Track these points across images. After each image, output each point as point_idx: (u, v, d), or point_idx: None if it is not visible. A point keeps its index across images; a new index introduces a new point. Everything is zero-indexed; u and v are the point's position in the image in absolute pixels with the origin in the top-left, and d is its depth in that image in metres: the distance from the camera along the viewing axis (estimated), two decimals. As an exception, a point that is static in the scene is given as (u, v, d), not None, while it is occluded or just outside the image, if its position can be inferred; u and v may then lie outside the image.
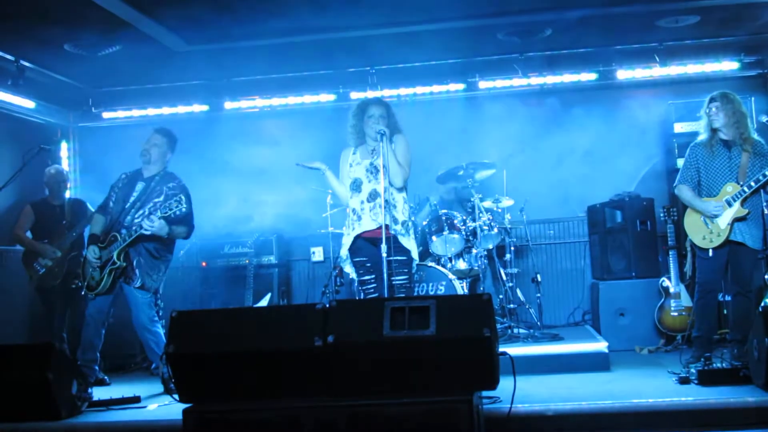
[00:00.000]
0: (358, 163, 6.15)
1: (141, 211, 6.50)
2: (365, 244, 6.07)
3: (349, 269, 6.24)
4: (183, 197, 6.27)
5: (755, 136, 6.24)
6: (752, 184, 6.03)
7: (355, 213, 6.09)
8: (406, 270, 6.04)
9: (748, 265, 6.23)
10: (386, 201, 5.84)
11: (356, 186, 6.11)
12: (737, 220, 6.09)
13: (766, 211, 6.25)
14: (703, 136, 6.33)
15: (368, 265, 6.08)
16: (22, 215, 7.90)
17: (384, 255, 5.67)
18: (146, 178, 6.70)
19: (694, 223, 6.30)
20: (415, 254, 6.13)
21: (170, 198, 6.42)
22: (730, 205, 6.10)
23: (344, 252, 6.19)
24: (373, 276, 6.05)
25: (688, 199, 6.32)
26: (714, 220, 6.15)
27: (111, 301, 6.61)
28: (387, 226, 5.84)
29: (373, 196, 5.98)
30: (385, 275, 5.68)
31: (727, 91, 6.32)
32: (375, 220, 5.94)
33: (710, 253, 6.17)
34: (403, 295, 5.84)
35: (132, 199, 6.62)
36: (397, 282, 5.94)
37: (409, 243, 6.07)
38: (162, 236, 6.45)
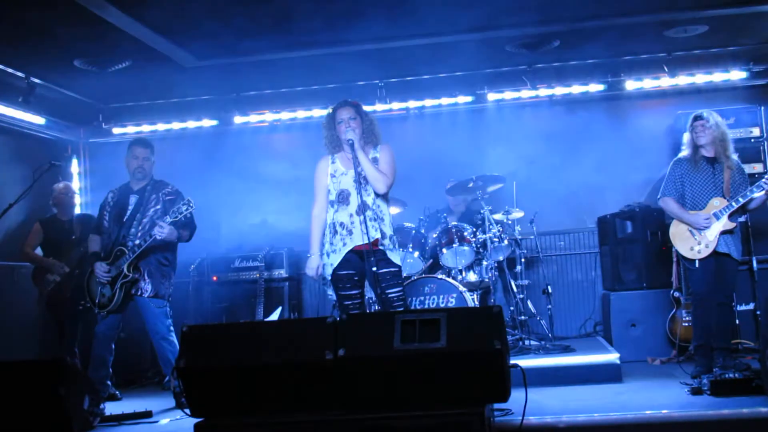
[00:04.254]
0: (342, 173, 5.78)
1: (141, 223, 6.53)
2: (353, 256, 5.67)
3: (330, 291, 5.89)
4: (188, 200, 6.27)
5: (734, 155, 6.45)
6: (740, 199, 6.21)
7: (344, 227, 5.69)
8: (399, 281, 5.75)
9: (732, 276, 6.40)
10: (375, 213, 5.68)
11: (343, 198, 5.71)
12: (724, 233, 6.25)
13: (741, 220, 6.49)
14: (685, 152, 6.54)
15: (356, 278, 5.72)
16: (31, 233, 7.94)
17: (374, 268, 5.48)
18: (138, 190, 6.72)
19: (680, 234, 6.44)
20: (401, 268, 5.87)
21: (169, 203, 6.48)
22: (717, 218, 6.25)
23: (329, 271, 5.71)
24: (358, 291, 5.75)
25: (675, 211, 6.46)
26: (702, 232, 6.29)
27: (121, 317, 6.63)
28: (376, 240, 5.62)
29: (362, 208, 5.58)
30: (366, 287, 5.60)
31: (712, 110, 6.52)
32: (366, 234, 5.51)
33: (696, 264, 6.31)
34: (400, 308, 5.61)
35: (128, 212, 6.64)
36: (392, 295, 5.66)
37: (397, 258, 5.76)
38: (172, 241, 6.50)
